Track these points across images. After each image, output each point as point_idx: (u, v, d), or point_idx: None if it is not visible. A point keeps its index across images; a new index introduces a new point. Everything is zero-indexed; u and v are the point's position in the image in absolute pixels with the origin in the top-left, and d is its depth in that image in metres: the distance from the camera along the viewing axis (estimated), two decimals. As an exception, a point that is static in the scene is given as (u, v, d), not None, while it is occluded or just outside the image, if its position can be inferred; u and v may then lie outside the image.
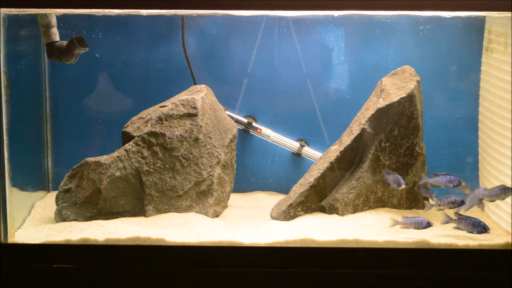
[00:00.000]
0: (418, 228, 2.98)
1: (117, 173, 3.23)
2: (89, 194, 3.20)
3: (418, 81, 3.35)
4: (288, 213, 3.30)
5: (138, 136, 3.26)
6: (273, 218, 3.31)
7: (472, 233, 2.96)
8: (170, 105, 3.33)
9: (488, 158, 3.38)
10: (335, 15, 3.33)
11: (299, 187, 3.35)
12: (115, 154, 3.25)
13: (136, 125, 3.32)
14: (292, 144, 3.77)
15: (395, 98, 3.28)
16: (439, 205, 3.05)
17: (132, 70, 3.71)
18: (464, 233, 3.01)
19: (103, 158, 3.23)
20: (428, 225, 2.97)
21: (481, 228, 2.95)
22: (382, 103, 3.29)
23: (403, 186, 3.14)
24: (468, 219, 2.97)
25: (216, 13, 3.28)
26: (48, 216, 3.30)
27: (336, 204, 3.29)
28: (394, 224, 3.04)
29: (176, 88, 3.52)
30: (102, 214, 3.22)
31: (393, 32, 3.62)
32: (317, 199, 3.34)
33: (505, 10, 2.79)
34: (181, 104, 3.33)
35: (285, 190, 3.72)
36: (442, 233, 3.00)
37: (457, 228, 3.00)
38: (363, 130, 3.31)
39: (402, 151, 3.34)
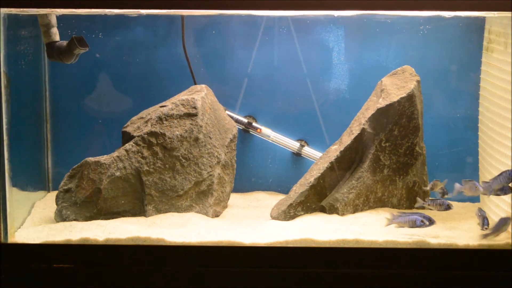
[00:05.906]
0: (412, 227, 2.98)
1: (117, 173, 3.23)
2: (89, 194, 3.20)
3: (418, 81, 3.35)
4: (288, 213, 3.30)
5: (138, 136, 3.26)
6: (273, 218, 3.31)
7: (413, 227, 2.98)
8: (170, 105, 3.33)
9: (488, 158, 3.38)
10: (335, 15, 3.34)
11: (299, 187, 3.35)
12: (115, 154, 3.25)
13: (136, 125, 3.32)
14: (292, 144, 3.76)
15: (395, 98, 3.28)
16: (428, 205, 3.07)
17: (132, 70, 3.71)
18: (464, 233, 3.01)
19: (103, 158, 3.23)
20: (423, 223, 2.97)
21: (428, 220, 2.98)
22: (382, 103, 3.29)
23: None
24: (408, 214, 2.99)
25: (216, 13, 3.28)
26: (48, 216, 3.30)
27: (336, 204, 3.29)
28: (389, 224, 3.02)
29: (176, 88, 3.52)
30: (102, 214, 3.22)
31: (393, 32, 3.62)
32: (317, 199, 3.34)
33: (505, 10, 2.79)
34: (181, 104, 3.33)
35: (285, 190, 3.72)
36: (442, 233, 3.01)
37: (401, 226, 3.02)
38: (363, 130, 3.31)
39: (402, 151, 3.34)
